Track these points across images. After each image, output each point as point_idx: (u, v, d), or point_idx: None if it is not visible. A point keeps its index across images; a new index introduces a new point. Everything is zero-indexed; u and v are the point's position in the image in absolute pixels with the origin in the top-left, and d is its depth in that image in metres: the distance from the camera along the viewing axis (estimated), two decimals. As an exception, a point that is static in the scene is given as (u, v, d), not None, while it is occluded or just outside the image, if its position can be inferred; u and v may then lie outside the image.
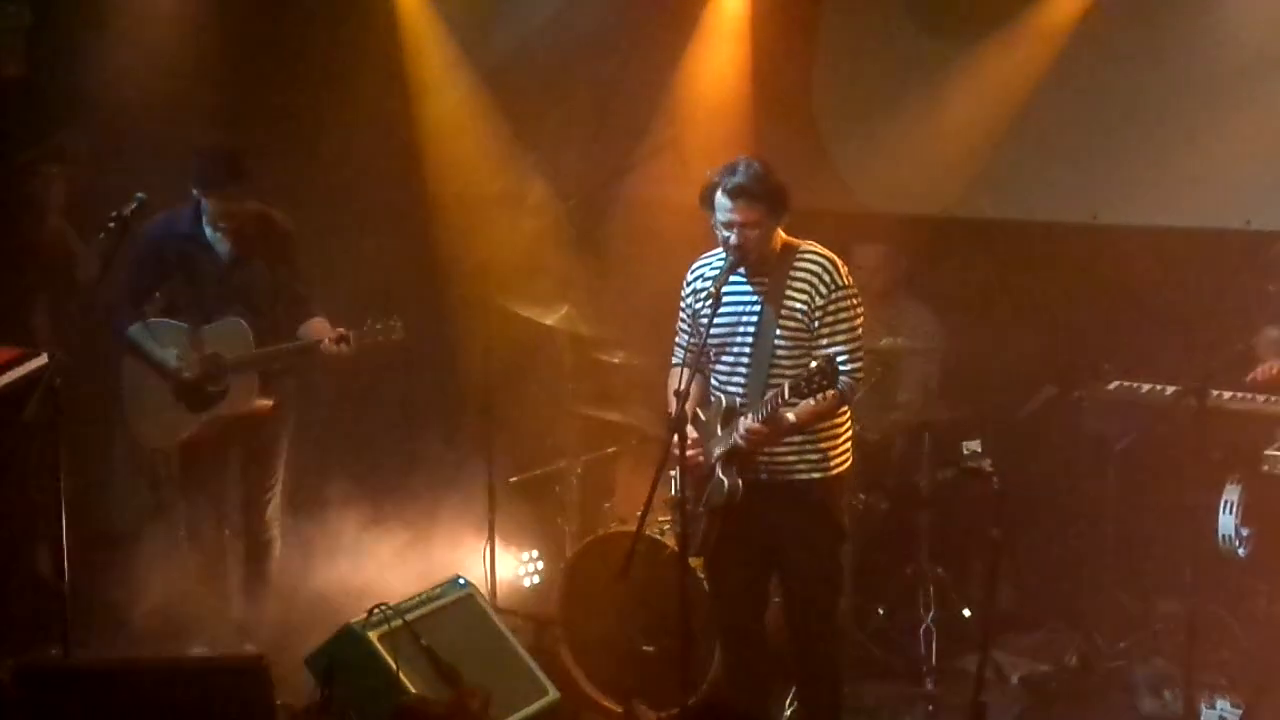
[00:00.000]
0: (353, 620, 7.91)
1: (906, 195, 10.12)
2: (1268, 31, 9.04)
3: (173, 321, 8.82)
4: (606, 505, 9.77)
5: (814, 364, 7.01)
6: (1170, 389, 8.32)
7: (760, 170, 7.31)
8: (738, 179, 7.27)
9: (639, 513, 7.29)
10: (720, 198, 7.32)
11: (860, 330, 7.45)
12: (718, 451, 7.42)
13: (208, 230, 8.82)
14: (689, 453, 7.29)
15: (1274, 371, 8.02)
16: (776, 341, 7.38)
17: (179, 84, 10.04)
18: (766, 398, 7.25)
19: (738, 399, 7.44)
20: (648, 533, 8.01)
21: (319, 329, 8.82)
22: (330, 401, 10.45)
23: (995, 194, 9.94)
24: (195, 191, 8.74)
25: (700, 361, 7.49)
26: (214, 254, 8.84)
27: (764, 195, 7.29)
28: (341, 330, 8.71)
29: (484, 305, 9.88)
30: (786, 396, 7.10)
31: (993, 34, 9.70)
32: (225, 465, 9.15)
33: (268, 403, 8.87)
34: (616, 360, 9.83)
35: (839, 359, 7.09)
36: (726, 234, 7.36)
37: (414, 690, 7.69)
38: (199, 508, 9.11)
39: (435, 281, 10.64)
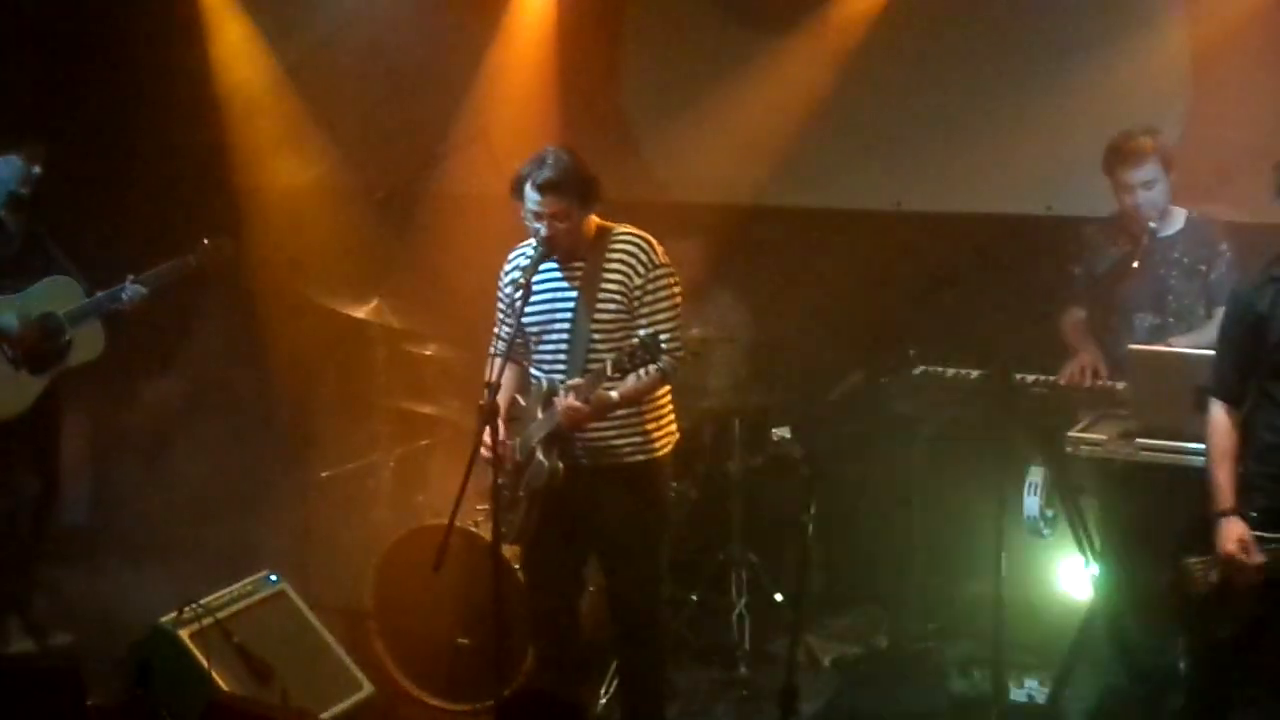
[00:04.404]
0: (163, 619, 7.86)
1: (714, 185, 10.15)
2: (1065, 19, 9.22)
3: None
4: (420, 498, 9.72)
5: (636, 339, 7.04)
6: (975, 373, 8.45)
7: (569, 162, 7.32)
8: (545, 173, 7.27)
9: (452, 505, 7.29)
10: (529, 190, 7.32)
11: (680, 309, 7.49)
12: (539, 435, 7.42)
13: None
14: (502, 442, 7.30)
15: (1079, 377, 8.19)
16: (594, 325, 7.39)
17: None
18: (587, 375, 7.25)
19: (559, 382, 7.42)
20: (463, 525, 8.03)
21: None
22: (142, 400, 10.37)
23: (801, 182, 10.01)
24: None
25: (515, 351, 7.52)
26: (6, 232, 8.87)
27: (572, 187, 7.30)
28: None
29: (295, 299, 9.82)
30: (609, 373, 7.10)
31: (797, 23, 9.76)
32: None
33: None
34: (428, 352, 9.80)
35: (661, 338, 7.11)
36: (536, 225, 7.37)
37: (226, 688, 7.65)
38: None
39: (245, 276, 10.56)
